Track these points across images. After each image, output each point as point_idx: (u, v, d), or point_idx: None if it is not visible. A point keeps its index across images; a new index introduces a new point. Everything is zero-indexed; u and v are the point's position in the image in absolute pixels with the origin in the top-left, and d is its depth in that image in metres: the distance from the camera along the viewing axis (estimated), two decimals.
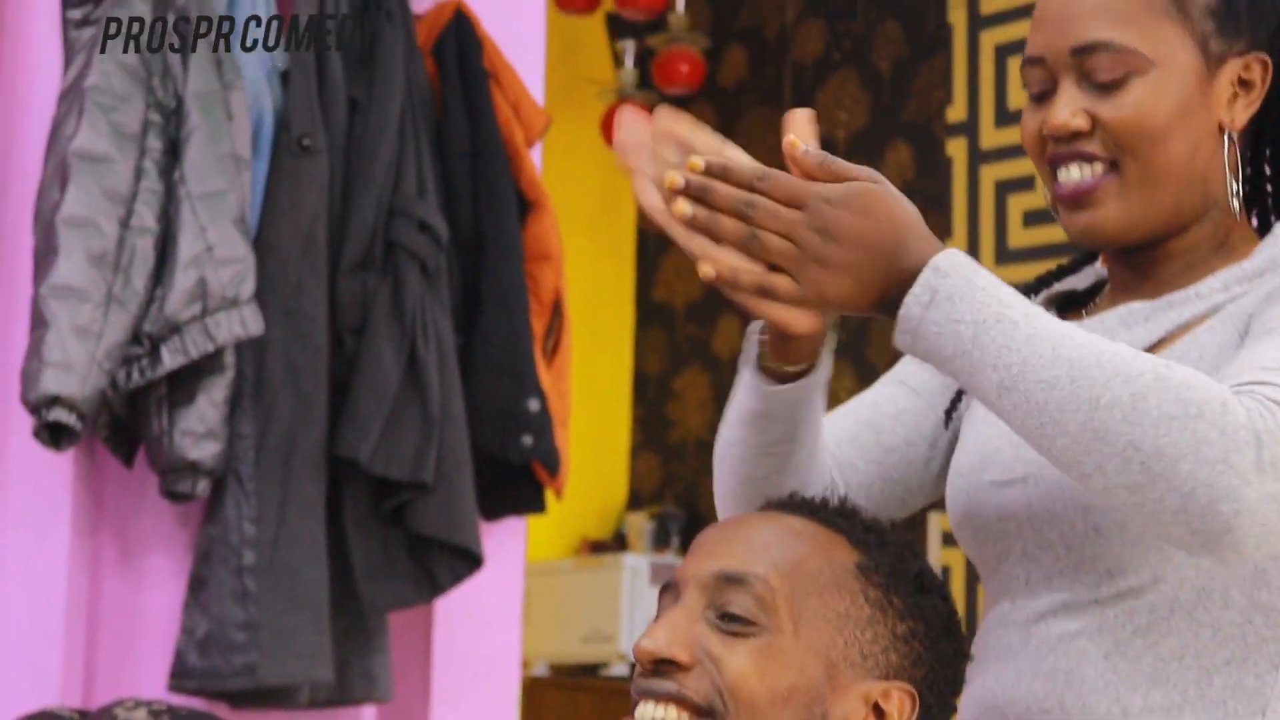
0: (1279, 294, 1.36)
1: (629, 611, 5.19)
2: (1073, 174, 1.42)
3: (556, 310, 3.03)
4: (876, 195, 1.26)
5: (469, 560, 2.75)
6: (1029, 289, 1.55)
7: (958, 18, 5.02)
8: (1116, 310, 1.45)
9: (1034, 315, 1.26)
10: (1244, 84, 1.43)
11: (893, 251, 1.25)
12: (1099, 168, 1.41)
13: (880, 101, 5.48)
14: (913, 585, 1.32)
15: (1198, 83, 1.41)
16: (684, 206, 1.24)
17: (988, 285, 1.26)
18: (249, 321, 2.49)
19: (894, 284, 1.26)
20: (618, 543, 5.80)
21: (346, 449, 2.63)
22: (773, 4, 5.85)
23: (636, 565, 5.26)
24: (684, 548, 5.66)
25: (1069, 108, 1.41)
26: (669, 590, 1.32)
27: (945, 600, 1.35)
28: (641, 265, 6.21)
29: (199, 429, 2.50)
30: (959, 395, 1.55)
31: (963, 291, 1.24)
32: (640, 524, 5.74)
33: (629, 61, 5.65)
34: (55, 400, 2.35)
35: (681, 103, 5.95)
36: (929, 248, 1.26)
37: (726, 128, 5.93)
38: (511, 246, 2.93)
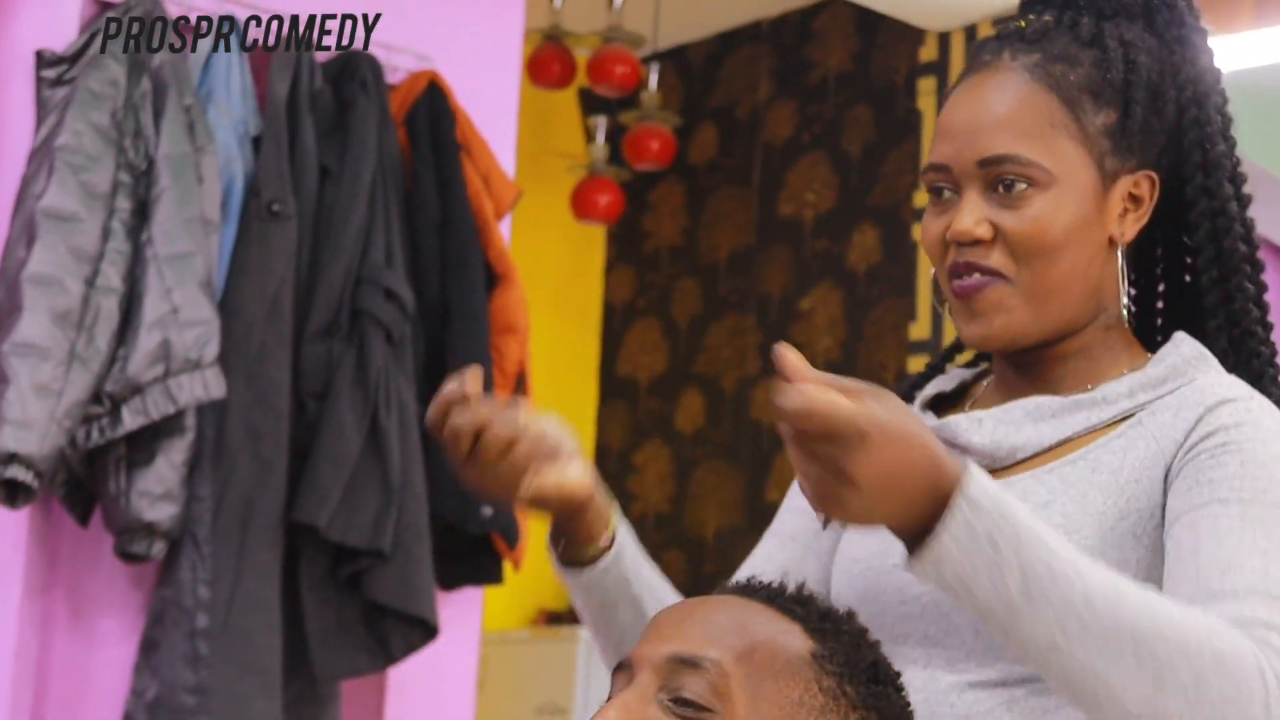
0: (1221, 447, 1.39)
1: (584, 684, 5.16)
2: (971, 280, 1.47)
3: (520, 383, 3.04)
4: (891, 418, 1.23)
5: (424, 630, 2.74)
6: (903, 398, 1.58)
7: (926, 104, 5.08)
8: (1021, 403, 1.48)
9: (1079, 561, 1.25)
10: (1134, 199, 1.49)
11: (912, 472, 1.23)
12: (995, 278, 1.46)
13: (849, 184, 5.52)
14: (867, 675, 1.32)
15: (1094, 198, 1.47)
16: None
17: (1025, 522, 1.24)
18: (211, 384, 2.49)
19: (912, 499, 1.23)
20: (574, 615, 5.77)
21: (305, 515, 2.62)
22: (745, 84, 5.90)
23: (593, 638, 5.24)
24: None
25: (973, 216, 1.46)
26: (622, 670, 1.32)
27: (899, 692, 1.35)
28: (606, 339, 6.22)
29: (157, 490, 2.49)
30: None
31: (1003, 532, 1.22)
32: None
33: (600, 137, 5.68)
34: (13, 458, 2.34)
35: (651, 179, 5.99)
36: (945, 467, 1.24)
37: (696, 205, 5.97)
38: (478, 318, 2.93)
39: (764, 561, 1.62)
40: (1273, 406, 1.44)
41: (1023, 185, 1.44)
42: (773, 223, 5.68)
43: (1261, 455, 1.37)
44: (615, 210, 5.59)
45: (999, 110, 1.47)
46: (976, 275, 1.47)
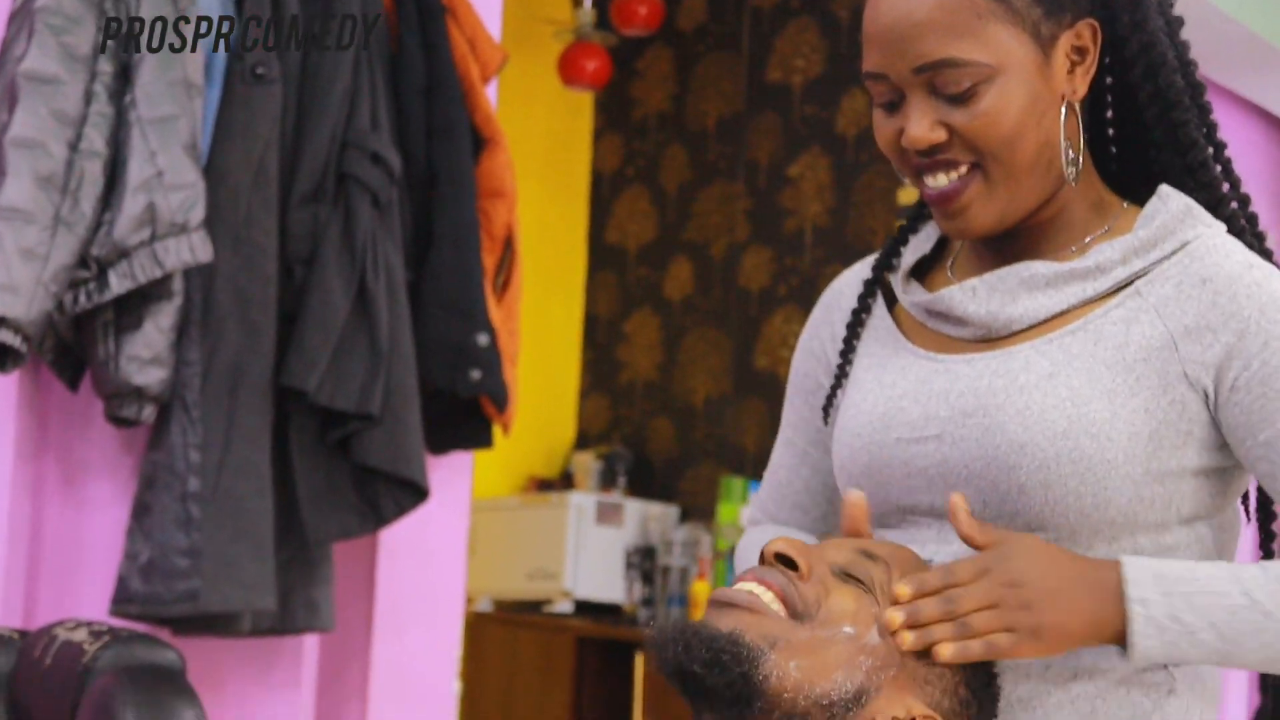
0: (1264, 348, 1.41)
1: (574, 550, 5.21)
2: (939, 180, 1.46)
3: (508, 246, 3.03)
4: (1026, 540, 1.38)
5: (414, 492, 2.76)
6: (880, 265, 1.60)
7: None
8: (1015, 270, 1.48)
9: (1248, 582, 1.36)
10: (1078, 51, 1.48)
11: (1077, 573, 1.36)
12: (963, 169, 1.45)
13: (838, 49, 5.48)
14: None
15: (1038, 71, 1.45)
16: (909, 638, 1.35)
17: (1188, 582, 1.36)
18: (198, 248, 2.49)
19: (1098, 605, 1.36)
20: (564, 482, 5.82)
21: (293, 379, 2.63)
22: None
23: (582, 504, 5.28)
24: (631, 488, 5.69)
25: (924, 122, 1.44)
26: None
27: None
28: (594, 207, 6.21)
29: (145, 355, 2.49)
30: (834, 388, 1.61)
31: (1178, 606, 1.35)
32: (587, 464, 5.76)
33: (587, 2, 5.63)
34: (0, 321, 2.34)
35: (639, 45, 5.94)
36: (1105, 569, 1.37)
37: (684, 71, 5.93)
38: (464, 182, 2.92)
39: (790, 475, 1.68)
40: (1270, 267, 1.44)
41: (966, 84, 1.42)
42: (761, 89, 5.64)
43: None
44: (603, 76, 5.55)
45: (921, 12, 1.42)
46: (943, 177, 1.45)
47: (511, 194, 3.02)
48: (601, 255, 6.16)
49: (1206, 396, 1.41)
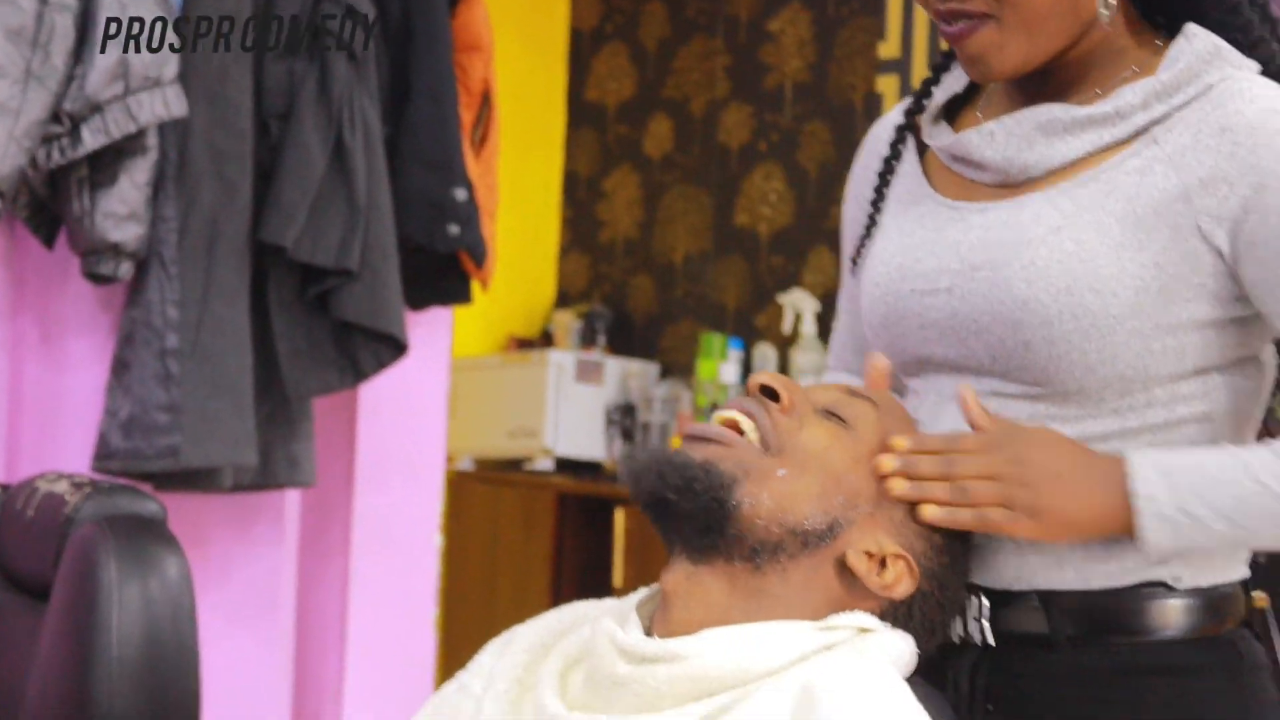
0: (1264, 186, 1.38)
1: (554, 407, 5.23)
2: (955, 25, 1.46)
3: (485, 101, 3.01)
4: (1031, 426, 1.38)
5: (393, 346, 2.76)
6: (913, 109, 1.58)
7: None
8: (1033, 113, 1.46)
9: (1251, 467, 1.35)
10: None
11: (1085, 464, 1.37)
12: (974, 16, 1.44)
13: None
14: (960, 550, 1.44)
15: None
16: (900, 485, 1.36)
17: (1194, 476, 1.35)
18: (172, 102, 2.46)
19: (1103, 498, 1.36)
20: (545, 340, 5.82)
21: (271, 234, 2.62)
22: None
23: (563, 362, 5.29)
24: (611, 346, 5.70)
25: None
26: None
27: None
28: (573, 64, 6.15)
29: (121, 210, 2.48)
30: (864, 239, 1.61)
31: (1185, 498, 1.34)
32: (567, 322, 5.76)
33: None
34: None
35: None
36: (1109, 463, 1.37)
37: None
38: (440, 36, 2.89)
39: (848, 321, 1.70)
40: None
41: None
42: None
43: None
44: None
45: None
46: (961, 23, 1.43)
47: (488, 48, 2.99)
48: (581, 113, 6.12)
49: (1221, 252, 1.39)
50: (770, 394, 1.36)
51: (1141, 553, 1.36)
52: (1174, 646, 1.42)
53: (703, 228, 5.68)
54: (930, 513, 1.34)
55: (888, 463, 1.34)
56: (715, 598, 1.30)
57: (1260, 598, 1.48)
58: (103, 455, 2.54)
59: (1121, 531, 1.36)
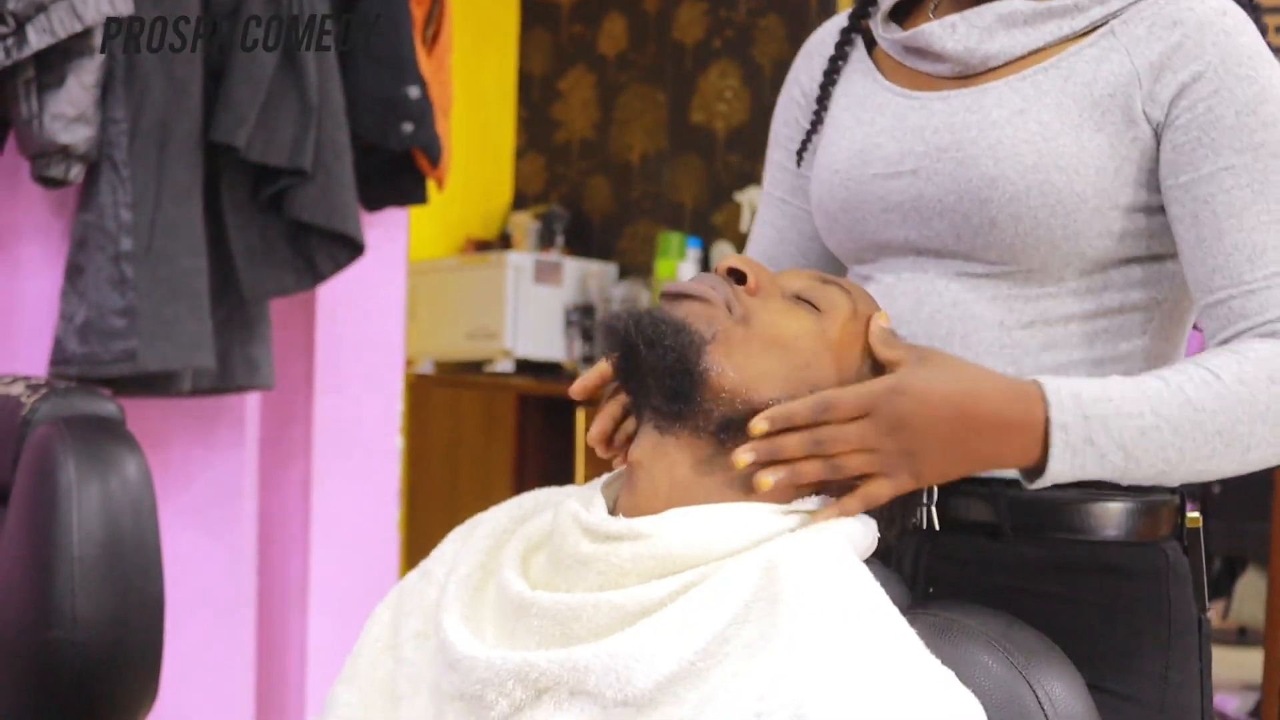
0: (1213, 95, 1.39)
1: (513, 309, 5.22)
2: None
3: (436, 4, 2.98)
4: (929, 368, 1.31)
5: (350, 247, 2.75)
6: (860, 12, 1.58)
7: None
8: (994, 6, 1.48)
9: (1155, 400, 1.33)
10: None
11: (972, 414, 1.30)
12: None
13: None
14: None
15: None
16: (766, 479, 1.28)
17: (1104, 403, 1.32)
18: (117, 1, 2.43)
19: (1001, 441, 1.31)
20: (502, 242, 5.80)
21: (223, 135, 2.59)
22: None
23: (521, 263, 5.27)
24: (569, 246, 5.69)
25: None
26: None
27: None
28: None
29: (70, 112, 2.45)
30: (809, 133, 1.61)
31: (1094, 429, 1.31)
32: (525, 223, 5.74)
33: None
34: None
35: None
36: (1020, 399, 1.31)
37: None
38: None
39: (766, 228, 1.68)
40: (1243, 16, 1.42)
41: None
42: None
43: (1248, 96, 1.39)
44: None
45: None
46: None
47: None
48: (534, 12, 6.06)
49: (1157, 134, 1.41)
50: (738, 276, 1.35)
51: (1028, 480, 1.34)
52: (1109, 547, 1.46)
53: (658, 127, 5.65)
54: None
55: (744, 457, 1.27)
56: (680, 472, 1.30)
57: (1194, 518, 1.51)
58: (59, 360, 2.53)
59: (1016, 464, 1.33)
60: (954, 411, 1.29)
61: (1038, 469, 1.33)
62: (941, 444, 1.29)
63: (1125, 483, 1.38)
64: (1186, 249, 1.41)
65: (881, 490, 1.29)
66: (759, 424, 1.27)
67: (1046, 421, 1.31)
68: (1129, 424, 1.32)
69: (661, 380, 1.29)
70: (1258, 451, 1.34)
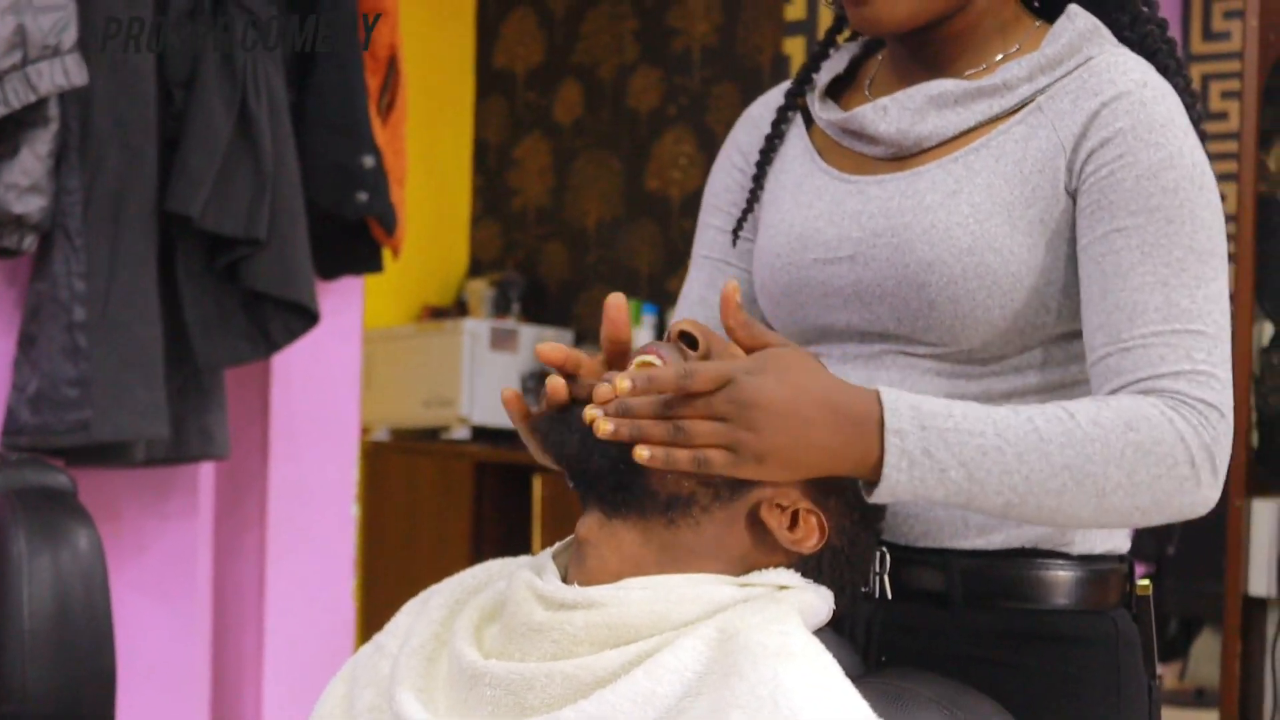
0: (1117, 160, 1.41)
1: (469, 376, 5.22)
2: None
3: (392, 66, 2.99)
4: (788, 357, 1.31)
5: (304, 316, 2.75)
6: (796, 90, 1.60)
7: None
8: (925, 88, 1.50)
9: (1000, 424, 1.32)
10: None
11: (828, 402, 1.29)
12: None
13: None
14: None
15: None
16: (606, 425, 1.27)
17: (944, 419, 1.31)
18: (72, 71, 2.43)
19: (843, 437, 1.30)
20: (459, 309, 5.81)
21: (177, 204, 2.59)
22: None
23: (477, 330, 5.28)
24: (525, 313, 5.70)
25: None
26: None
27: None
28: (481, 31, 6.12)
29: (23, 182, 2.45)
30: (745, 212, 1.62)
31: (932, 441, 1.30)
32: (481, 290, 5.75)
33: None
34: None
35: None
36: (861, 400, 1.31)
37: None
38: (345, 0, 2.87)
39: (703, 290, 1.66)
40: (1166, 88, 1.44)
41: None
42: None
43: (1152, 162, 1.40)
44: None
45: None
46: None
47: (393, 12, 2.97)
48: (490, 80, 6.09)
49: (1075, 202, 1.43)
50: (689, 341, 1.35)
51: (871, 495, 1.33)
52: (1060, 616, 1.47)
53: (614, 193, 5.68)
54: (641, 454, 1.27)
55: (590, 410, 1.27)
56: (629, 549, 1.30)
57: (1144, 585, 1.52)
58: (11, 431, 2.51)
59: (855, 467, 1.32)
60: (802, 396, 1.28)
61: (877, 477, 1.32)
62: (786, 427, 1.27)
63: (973, 511, 1.36)
64: (1082, 311, 1.42)
65: (718, 460, 1.27)
66: (622, 382, 1.26)
67: (881, 424, 1.30)
68: (970, 441, 1.31)
69: (604, 479, 1.29)
70: (1115, 499, 1.33)
